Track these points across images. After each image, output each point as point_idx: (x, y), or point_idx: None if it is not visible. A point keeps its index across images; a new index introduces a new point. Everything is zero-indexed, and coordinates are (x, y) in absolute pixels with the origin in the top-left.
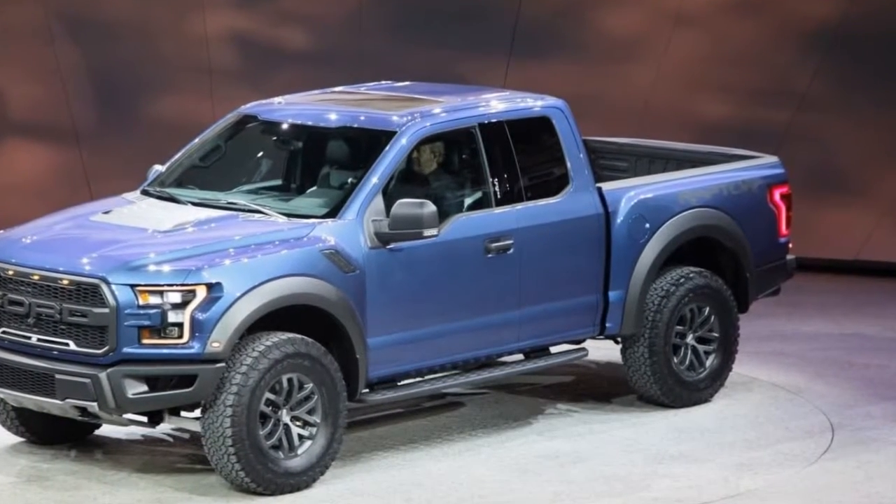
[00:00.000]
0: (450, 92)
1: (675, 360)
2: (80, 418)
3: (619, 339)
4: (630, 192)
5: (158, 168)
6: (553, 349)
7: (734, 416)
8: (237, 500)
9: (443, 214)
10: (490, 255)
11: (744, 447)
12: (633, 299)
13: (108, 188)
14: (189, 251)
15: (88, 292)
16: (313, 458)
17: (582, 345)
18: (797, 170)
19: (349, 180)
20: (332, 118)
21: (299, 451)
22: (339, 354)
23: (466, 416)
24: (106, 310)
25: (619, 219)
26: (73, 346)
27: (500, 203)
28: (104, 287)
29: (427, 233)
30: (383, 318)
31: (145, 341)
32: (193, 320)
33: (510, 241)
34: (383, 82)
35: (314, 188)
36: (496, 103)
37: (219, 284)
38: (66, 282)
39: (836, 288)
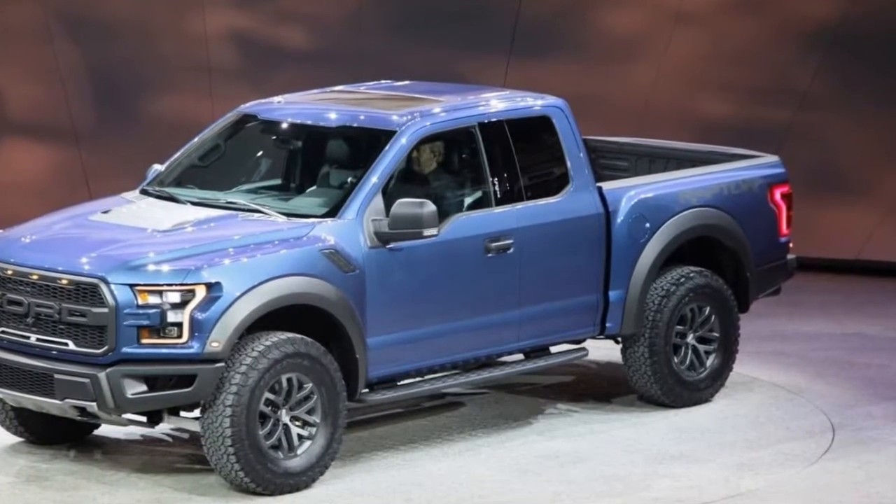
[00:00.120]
0: (450, 91)
1: (676, 359)
2: (79, 418)
3: (619, 339)
4: (630, 191)
5: (157, 167)
6: (553, 349)
7: (735, 416)
8: (236, 500)
9: (443, 214)
10: (490, 255)
11: (744, 447)
12: (633, 299)
13: (108, 187)
14: (188, 251)
15: (87, 292)
16: (313, 458)
17: (582, 345)
18: (798, 169)
19: (349, 180)
20: (332, 117)
21: (299, 451)
22: (339, 354)
23: (466, 416)
24: (105, 309)
25: (620, 218)
26: (72, 346)
27: (500, 202)
28: (103, 287)
29: (427, 232)
30: (383, 317)
31: (144, 341)
32: (193, 320)
33: (510, 241)
34: (383, 81)
35: (314, 188)
36: (496, 103)
37: (218, 284)
38: (65, 281)
39: (837, 288)
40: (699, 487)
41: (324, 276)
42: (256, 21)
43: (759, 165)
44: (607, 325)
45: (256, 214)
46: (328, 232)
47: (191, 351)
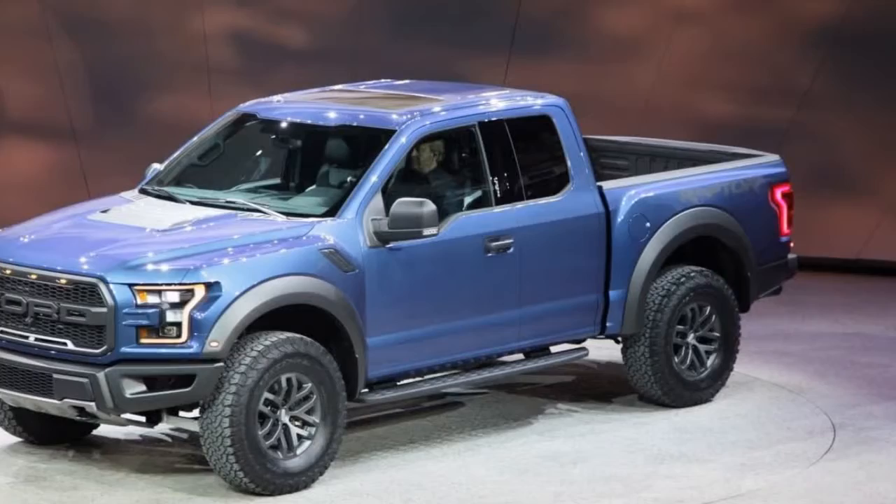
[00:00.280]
0: (450, 90)
1: (676, 359)
2: (78, 418)
3: (619, 339)
4: (631, 190)
5: (157, 167)
6: (553, 349)
7: (735, 416)
8: (236, 500)
9: (442, 213)
10: (490, 255)
11: (745, 447)
12: (633, 298)
13: (106, 187)
14: (187, 250)
15: (86, 292)
16: (312, 459)
17: (582, 344)
18: (799, 168)
19: (348, 179)
20: (332, 116)
21: (298, 452)
22: (339, 354)
23: (466, 416)
24: (104, 309)
25: (620, 218)
26: (70, 346)
27: (500, 202)
28: (102, 286)
29: (427, 232)
30: (383, 317)
31: (143, 341)
32: (192, 320)
33: (510, 241)
34: (383, 80)
35: (313, 187)
36: (496, 102)
37: (217, 284)
38: (63, 281)
39: (838, 287)
40: (700, 488)
41: (323, 276)
42: (256, 20)
43: (759, 165)
44: (608, 324)
45: (256, 214)
46: (328, 231)
47: (190, 351)
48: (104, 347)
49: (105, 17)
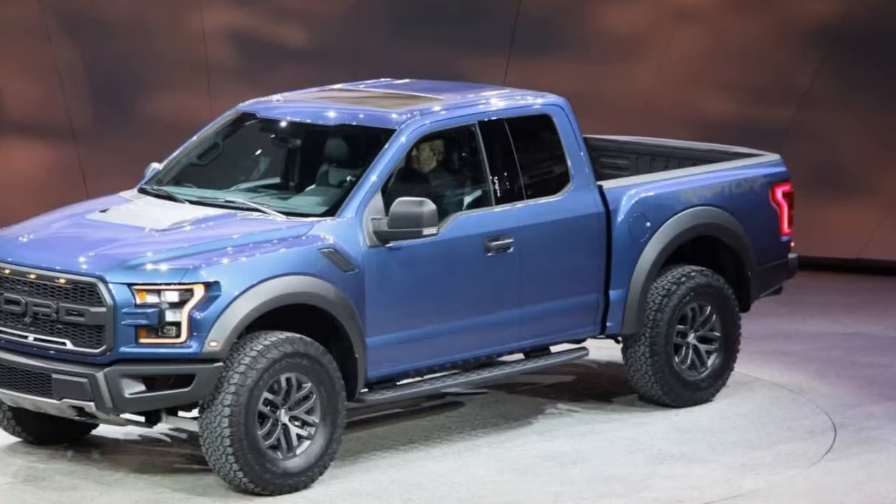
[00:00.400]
0: (449, 89)
1: (677, 359)
2: (77, 418)
3: (619, 339)
4: (631, 190)
5: (156, 166)
6: (553, 348)
7: (736, 416)
8: (235, 500)
9: (442, 213)
10: (490, 254)
11: (746, 447)
12: (634, 298)
13: (105, 186)
14: (186, 250)
15: (85, 291)
16: (312, 459)
17: (583, 344)
18: (799, 168)
19: (348, 178)
20: (331, 116)
21: (298, 452)
22: (338, 354)
23: (466, 416)
24: (103, 309)
25: (620, 217)
26: (69, 346)
27: (500, 201)
28: (101, 286)
29: (426, 231)
30: (382, 317)
31: (143, 340)
32: (191, 319)
33: (510, 240)
34: (382, 80)
35: (313, 186)
36: (496, 101)
37: (217, 283)
38: (62, 281)
39: (839, 287)
40: (700, 488)
41: (323, 276)
42: (255, 19)
43: (760, 164)
44: (608, 324)
45: (255, 213)
46: (327, 231)
47: (189, 350)
48: (103, 347)
49: (104, 17)
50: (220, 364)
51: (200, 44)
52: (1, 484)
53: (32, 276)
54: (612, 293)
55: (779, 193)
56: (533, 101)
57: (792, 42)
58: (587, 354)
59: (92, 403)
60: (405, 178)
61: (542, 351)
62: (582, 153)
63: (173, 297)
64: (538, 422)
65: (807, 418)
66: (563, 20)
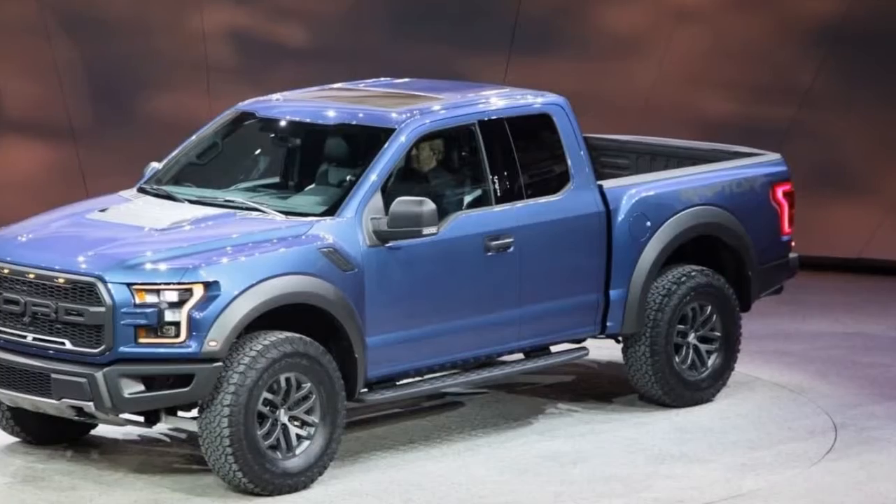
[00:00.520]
0: (449, 89)
1: (677, 359)
2: (76, 418)
3: (620, 339)
4: (631, 189)
5: (155, 165)
6: (553, 348)
7: (736, 416)
8: (235, 500)
9: (442, 212)
10: (490, 254)
11: (746, 447)
12: (634, 298)
13: (105, 185)
14: (186, 249)
15: (84, 291)
16: (311, 459)
17: (583, 344)
18: (800, 167)
19: (348, 178)
20: (331, 115)
21: (297, 452)
22: (338, 354)
23: (466, 416)
24: (102, 308)
25: (621, 217)
26: (69, 346)
27: (500, 201)
28: (100, 286)
29: (426, 231)
30: (382, 317)
31: (142, 340)
32: (190, 319)
33: (510, 240)
34: (382, 79)
35: (312, 186)
36: (496, 100)
37: (216, 283)
38: (61, 280)
39: (839, 286)
40: (700, 488)
41: (322, 275)
42: (254, 18)
43: (760, 163)
44: (608, 324)
45: (254, 213)
46: (327, 230)
47: (188, 350)
48: (102, 347)
49: (104, 16)
50: (220, 364)
51: (200, 43)
52: (0, 484)
53: (31, 276)
54: (613, 293)
55: (779, 193)
56: (533, 100)
57: (792, 41)
58: (587, 354)
59: (91, 403)
60: (405, 178)
61: (542, 351)
62: (582, 152)
63: (172, 296)
64: (538, 422)
65: (807, 418)
66: (562, 20)
